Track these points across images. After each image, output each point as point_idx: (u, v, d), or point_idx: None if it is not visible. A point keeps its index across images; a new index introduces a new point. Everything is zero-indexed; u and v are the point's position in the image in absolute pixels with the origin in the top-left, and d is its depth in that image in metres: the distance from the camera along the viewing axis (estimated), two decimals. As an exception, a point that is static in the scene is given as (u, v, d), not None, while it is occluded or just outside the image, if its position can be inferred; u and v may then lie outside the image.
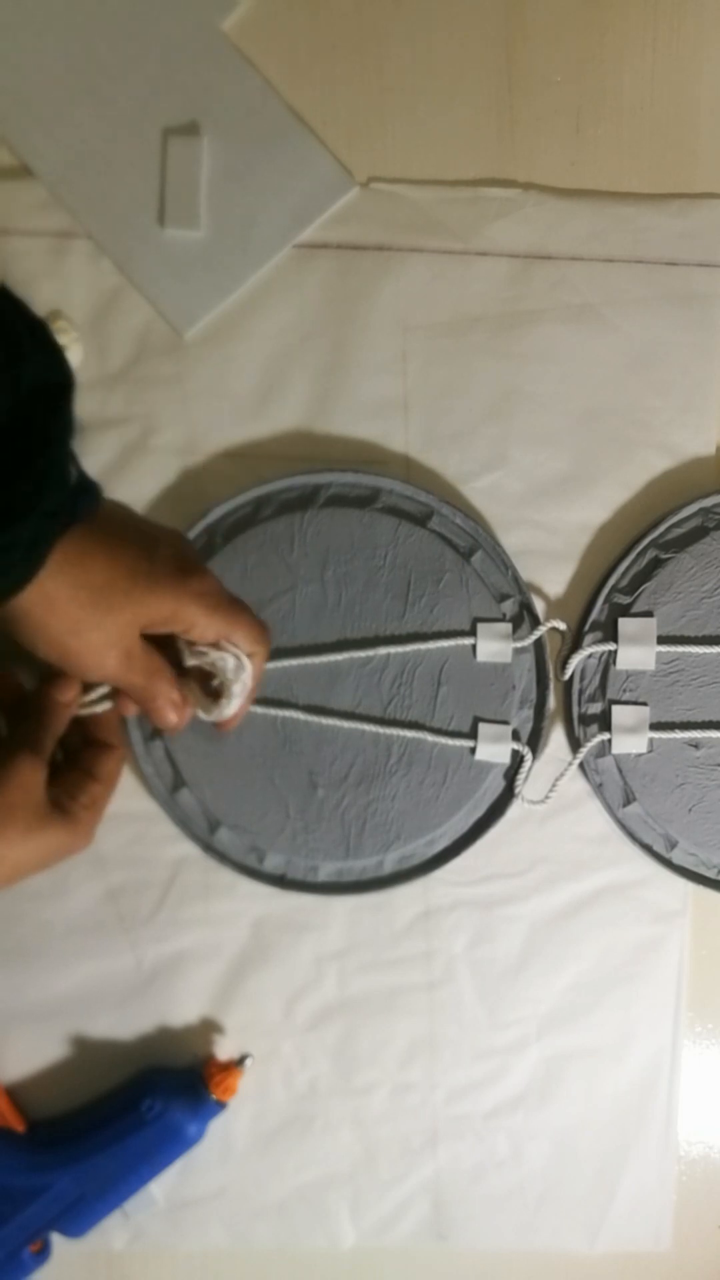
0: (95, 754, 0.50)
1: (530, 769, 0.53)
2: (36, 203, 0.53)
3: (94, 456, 0.54)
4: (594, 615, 0.54)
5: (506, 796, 0.54)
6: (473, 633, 0.53)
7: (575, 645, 0.54)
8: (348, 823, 0.53)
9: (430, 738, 0.53)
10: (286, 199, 0.54)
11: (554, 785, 0.54)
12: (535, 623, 0.53)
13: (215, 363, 0.54)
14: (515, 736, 0.54)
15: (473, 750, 0.53)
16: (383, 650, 0.53)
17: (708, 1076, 0.56)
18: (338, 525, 0.53)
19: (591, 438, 0.55)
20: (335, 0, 0.54)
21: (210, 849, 0.54)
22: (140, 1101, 0.51)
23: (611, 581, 0.54)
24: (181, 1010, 0.55)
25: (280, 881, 0.54)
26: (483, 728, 0.53)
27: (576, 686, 0.54)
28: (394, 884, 0.54)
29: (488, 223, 0.54)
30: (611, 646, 0.53)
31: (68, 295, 0.53)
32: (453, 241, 0.54)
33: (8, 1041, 0.54)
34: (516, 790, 0.53)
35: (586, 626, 0.54)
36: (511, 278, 0.54)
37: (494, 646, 0.53)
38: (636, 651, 0.53)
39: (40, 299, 0.53)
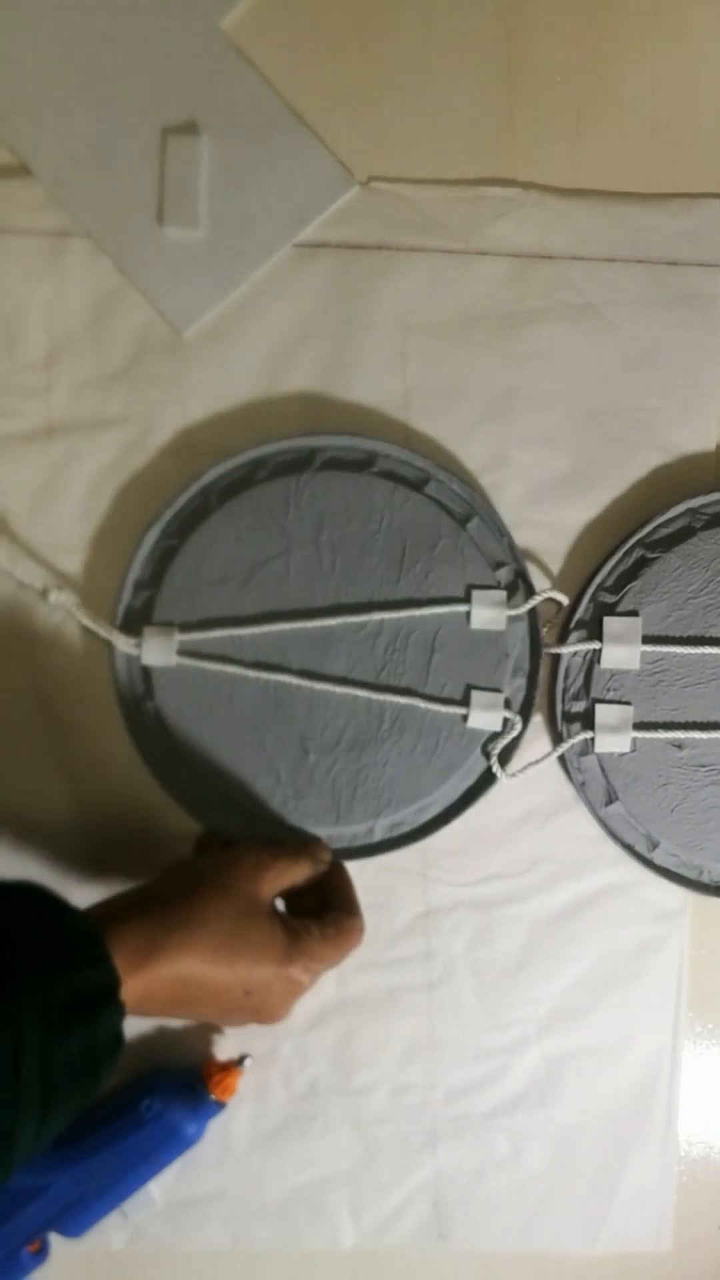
0: (335, 915, 0.50)
1: (520, 736, 0.53)
2: (35, 202, 0.53)
3: (94, 456, 0.54)
4: (579, 614, 0.53)
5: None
6: (467, 600, 0.53)
7: (562, 637, 0.54)
8: (338, 789, 0.53)
9: (423, 704, 0.53)
10: (286, 198, 0.54)
11: (526, 767, 0.53)
12: (530, 591, 0.53)
13: (215, 362, 0.54)
14: (507, 705, 0.53)
15: (465, 718, 0.53)
16: (376, 616, 0.53)
17: (708, 1076, 0.56)
18: (333, 489, 0.53)
19: (591, 438, 0.55)
20: (335, 0, 0.54)
21: (204, 815, 0.53)
22: (140, 1101, 0.51)
23: (598, 580, 0.53)
24: (181, 1010, 0.55)
25: None
26: (475, 695, 0.53)
27: (560, 684, 0.54)
28: (384, 851, 0.53)
29: (488, 222, 0.54)
30: (596, 645, 0.53)
31: (67, 295, 0.53)
32: (453, 241, 0.54)
33: (7, 1041, 0.54)
34: (490, 754, 0.53)
35: (571, 625, 0.54)
36: (511, 278, 0.54)
37: (488, 614, 0.53)
38: (621, 651, 0.53)
39: (39, 298, 0.53)
